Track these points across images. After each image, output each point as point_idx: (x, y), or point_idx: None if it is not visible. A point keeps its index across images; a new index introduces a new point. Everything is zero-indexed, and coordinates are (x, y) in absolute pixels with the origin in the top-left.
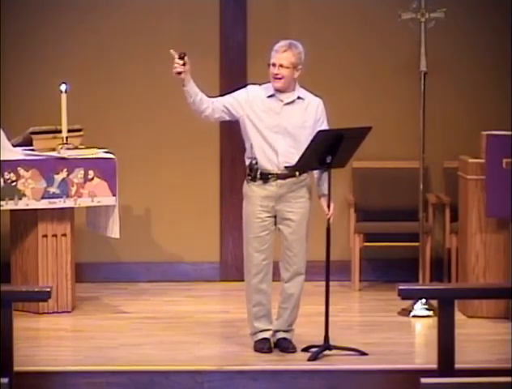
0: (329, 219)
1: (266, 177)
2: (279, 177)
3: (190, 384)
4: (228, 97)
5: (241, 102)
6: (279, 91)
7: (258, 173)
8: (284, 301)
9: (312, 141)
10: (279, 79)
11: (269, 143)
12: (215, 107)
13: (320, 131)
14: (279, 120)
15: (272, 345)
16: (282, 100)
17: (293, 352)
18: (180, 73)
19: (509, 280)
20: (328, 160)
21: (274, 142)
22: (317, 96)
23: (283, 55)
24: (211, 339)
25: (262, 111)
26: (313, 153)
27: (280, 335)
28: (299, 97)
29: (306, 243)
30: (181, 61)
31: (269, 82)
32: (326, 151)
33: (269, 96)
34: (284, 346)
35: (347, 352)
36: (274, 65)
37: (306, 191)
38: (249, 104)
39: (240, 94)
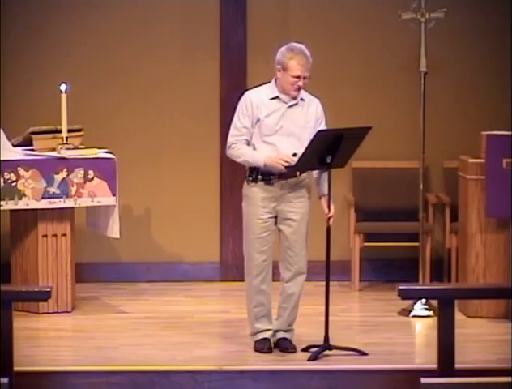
0: (329, 219)
1: (268, 178)
2: (280, 177)
3: (190, 384)
4: (242, 129)
5: (251, 119)
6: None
7: (260, 174)
8: (284, 300)
9: (312, 141)
10: (300, 89)
11: (273, 145)
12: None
13: (320, 131)
14: (284, 121)
15: (272, 345)
16: (286, 102)
17: (293, 352)
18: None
19: (509, 280)
20: (328, 160)
21: (278, 144)
22: (314, 95)
23: (307, 67)
24: (211, 339)
25: (266, 114)
26: (313, 153)
27: (280, 335)
28: (301, 99)
29: (307, 242)
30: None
31: (267, 83)
32: (326, 151)
33: (272, 98)
34: (284, 346)
35: (347, 352)
36: (298, 77)
37: (306, 191)
38: (256, 112)
39: (245, 114)
